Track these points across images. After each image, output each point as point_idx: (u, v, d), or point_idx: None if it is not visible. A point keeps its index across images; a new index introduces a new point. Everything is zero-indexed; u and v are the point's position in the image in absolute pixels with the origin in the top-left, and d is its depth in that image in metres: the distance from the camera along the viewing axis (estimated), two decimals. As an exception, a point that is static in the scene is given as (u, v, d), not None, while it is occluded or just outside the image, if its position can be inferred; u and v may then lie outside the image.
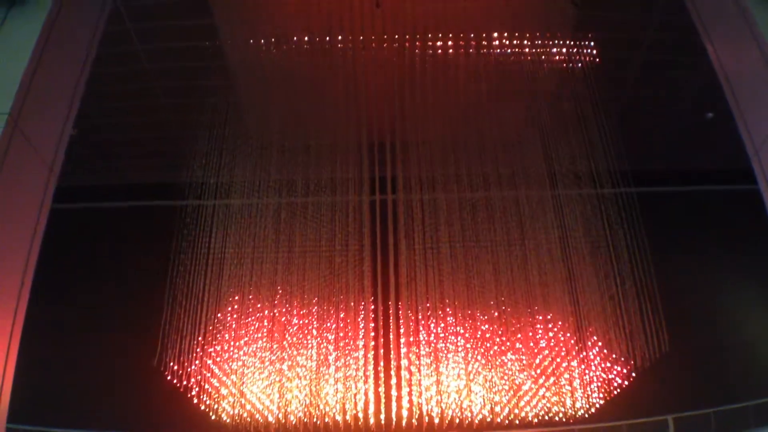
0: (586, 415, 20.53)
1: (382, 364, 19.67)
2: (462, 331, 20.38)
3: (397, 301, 20.34)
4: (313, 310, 20.22)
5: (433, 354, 19.96)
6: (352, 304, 20.28)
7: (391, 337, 19.89)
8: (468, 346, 20.28)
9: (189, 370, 18.78)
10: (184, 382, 18.67)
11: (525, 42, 19.92)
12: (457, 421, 19.95)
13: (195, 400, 19.07)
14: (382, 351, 19.74)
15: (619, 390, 20.17)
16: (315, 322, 20.09)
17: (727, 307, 24.30)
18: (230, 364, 19.49)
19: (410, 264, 20.75)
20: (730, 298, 24.36)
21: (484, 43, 19.74)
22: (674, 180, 25.95)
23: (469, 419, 19.92)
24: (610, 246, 19.85)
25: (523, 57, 20.14)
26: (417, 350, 19.85)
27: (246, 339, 19.64)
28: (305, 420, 19.50)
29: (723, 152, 22.00)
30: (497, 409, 19.97)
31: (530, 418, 20.43)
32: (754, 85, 13.07)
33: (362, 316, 20.15)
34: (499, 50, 19.90)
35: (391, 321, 20.06)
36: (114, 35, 18.01)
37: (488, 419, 20.14)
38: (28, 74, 10.87)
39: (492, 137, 21.52)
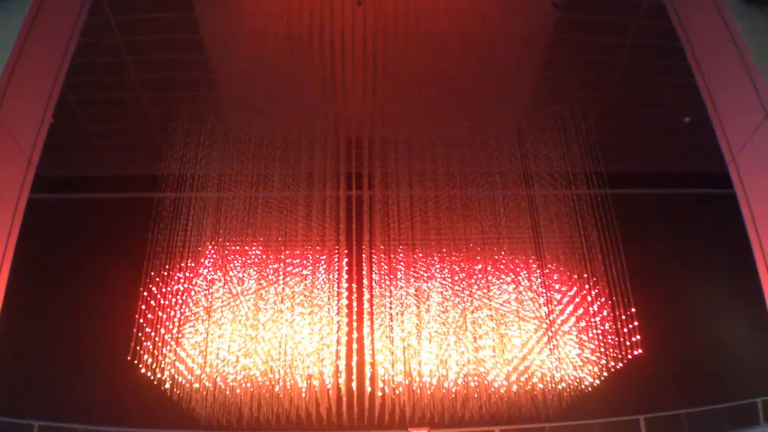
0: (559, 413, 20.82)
1: (355, 359, 19.73)
2: (435, 326, 20.48)
3: (371, 292, 20.47)
4: (287, 304, 20.25)
5: (405, 348, 20.07)
6: (327, 298, 20.37)
7: (366, 332, 19.97)
8: (439, 341, 20.38)
9: (163, 363, 18.80)
10: (158, 375, 18.69)
11: (505, 43, 19.99)
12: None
13: (169, 393, 19.12)
14: (355, 346, 19.82)
15: (591, 389, 20.36)
16: (290, 316, 20.13)
17: (700, 309, 24.50)
18: (205, 357, 19.49)
19: (387, 259, 20.87)
20: (703, 300, 24.57)
21: (464, 43, 19.81)
22: (650, 182, 26.12)
23: (441, 410, 20.13)
24: (584, 247, 20.02)
25: (502, 58, 20.22)
26: (391, 346, 19.94)
27: (220, 333, 19.62)
28: (275, 410, 19.68)
29: (699, 156, 22.22)
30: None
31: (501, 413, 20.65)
32: (734, 93, 13.24)
33: (336, 310, 20.22)
34: (478, 50, 19.96)
35: (365, 316, 20.14)
36: (95, 26, 18.01)
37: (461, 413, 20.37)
38: (9, 66, 10.89)
39: (469, 136, 21.66)
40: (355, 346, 19.80)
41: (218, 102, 21.27)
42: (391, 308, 20.31)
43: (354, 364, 19.68)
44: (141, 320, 18.58)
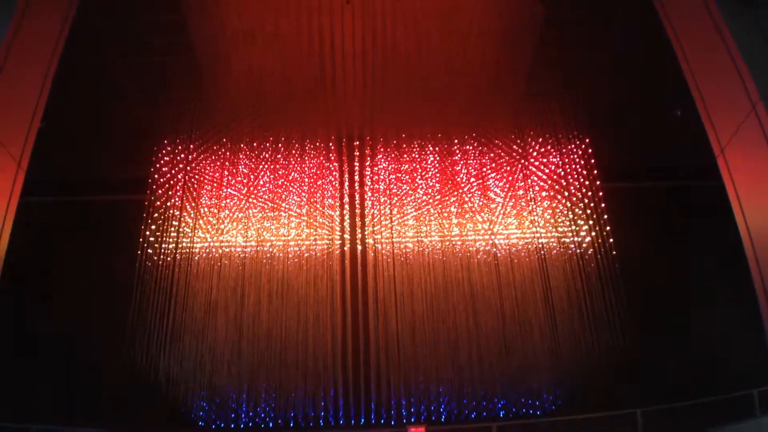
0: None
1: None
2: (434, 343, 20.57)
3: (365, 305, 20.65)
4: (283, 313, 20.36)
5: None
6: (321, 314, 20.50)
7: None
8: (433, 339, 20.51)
9: (158, 363, 18.86)
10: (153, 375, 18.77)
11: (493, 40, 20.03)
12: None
13: (165, 393, 19.19)
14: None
15: (589, 384, 20.44)
16: (286, 329, 20.23)
17: (696, 303, 24.45)
18: (200, 359, 19.55)
19: (382, 262, 20.98)
20: (699, 294, 24.50)
21: (452, 41, 19.86)
22: (643, 176, 26.03)
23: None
24: (575, 242, 20.09)
25: (490, 55, 20.25)
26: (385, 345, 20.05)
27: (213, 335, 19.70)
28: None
29: (691, 148, 22.21)
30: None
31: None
32: (721, 87, 13.32)
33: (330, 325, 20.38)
34: (465, 48, 20.00)
35: (360, 332, 20.35)
36: (83, 30, 17.96)
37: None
38: (-4, 71, 10.94)
39: (462, 133, 21.75)
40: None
41: (208, 103, 21.25)
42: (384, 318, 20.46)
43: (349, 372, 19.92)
44: (135, 321, 18.65)
